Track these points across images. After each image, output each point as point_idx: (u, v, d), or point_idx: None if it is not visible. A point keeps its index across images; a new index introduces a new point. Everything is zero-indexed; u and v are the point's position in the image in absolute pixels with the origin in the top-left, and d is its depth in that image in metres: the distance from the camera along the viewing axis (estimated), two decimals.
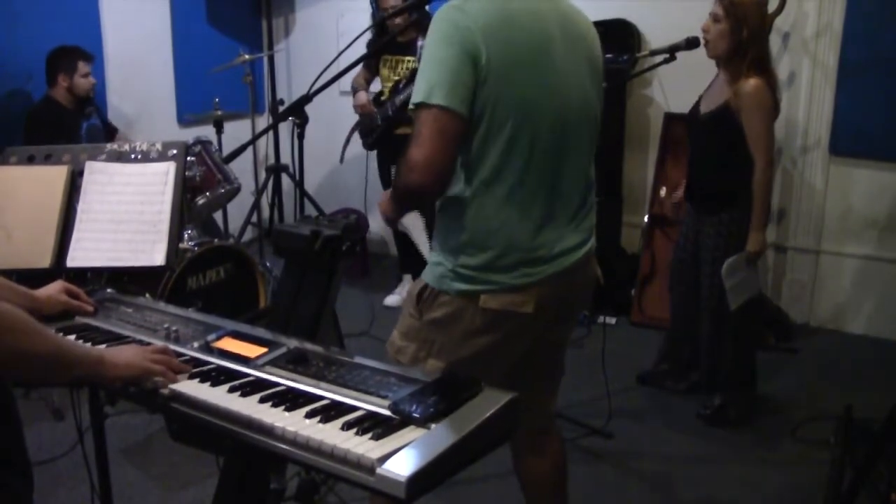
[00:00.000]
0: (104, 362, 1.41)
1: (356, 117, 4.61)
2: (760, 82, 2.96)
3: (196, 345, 1.61)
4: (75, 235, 2.02)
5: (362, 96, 4.48)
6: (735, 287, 3.11)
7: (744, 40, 2.96)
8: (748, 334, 3.33)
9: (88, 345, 1.61)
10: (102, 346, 1.58)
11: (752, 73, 2.97)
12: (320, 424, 1.27)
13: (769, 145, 3.02)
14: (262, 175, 5.33)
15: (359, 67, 4.37)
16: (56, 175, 2.08)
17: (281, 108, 4.85)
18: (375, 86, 4.60)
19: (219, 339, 1.63)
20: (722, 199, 3.15)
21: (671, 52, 3.23)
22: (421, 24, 3.85)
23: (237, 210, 4.84)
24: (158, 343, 1.59)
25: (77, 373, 1.40)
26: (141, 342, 1.60)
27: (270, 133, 5.43)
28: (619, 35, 4.46)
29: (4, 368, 1.31)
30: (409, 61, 4.33)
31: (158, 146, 2.16)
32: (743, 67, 2.98)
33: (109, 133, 4.38)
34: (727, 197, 3.13)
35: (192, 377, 1.48)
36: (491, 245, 1.75)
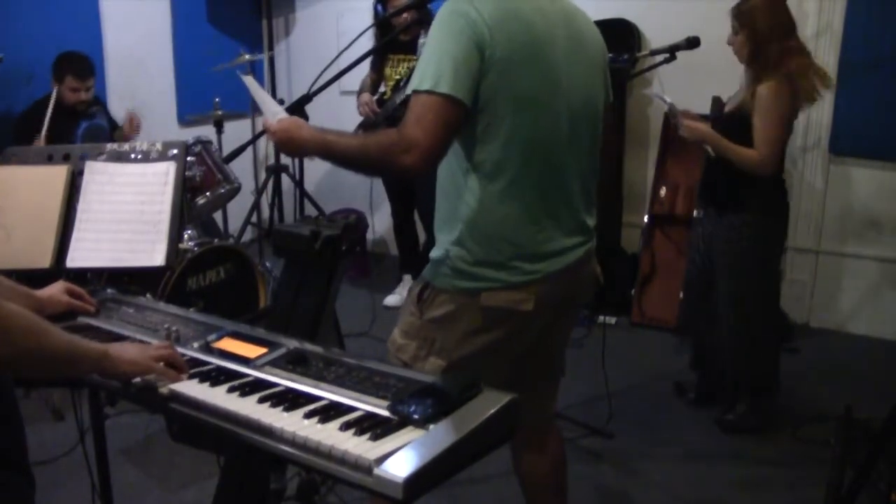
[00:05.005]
0: (109, 357, 1.43)
1: (358, 117, 4.62)
2: (775, 84, 2.94)
3: (196, 345, 1.62)
4: (75, 235, 2.02)
5: (365, 96, 4.50)
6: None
7: (760, 44, 2.96)
8: (770, 340, 3.29)
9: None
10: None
11: (769, 75, 2.95)
12: (319, 425, 1.27)
13: (773, 142, 2.98)
14: (263, 175, 5.34)
15: (367, 69, 4.39)
16: (56, 175, 2.08)
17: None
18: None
19: (219, 339, 1.63)
20: (735, 200, 3.12)
21: (671, 51, 3.23)
22: (423, 22, 3.87)
23: (237, 210, 4.84)
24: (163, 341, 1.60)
25: (83, 368, 1.43)
26: (142, 342, 1.60)
27: None
28: (619, 35, 4.46)
29: (18, 368, 1.34)
30: (411, 60, 4.34)
31: (158, 146, 2.16)
32: (760, 69, 2.98)
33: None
34: (741, 198, 3.10)
35: (191, 377, 1.48)
36: (490, 241, 1.75)
